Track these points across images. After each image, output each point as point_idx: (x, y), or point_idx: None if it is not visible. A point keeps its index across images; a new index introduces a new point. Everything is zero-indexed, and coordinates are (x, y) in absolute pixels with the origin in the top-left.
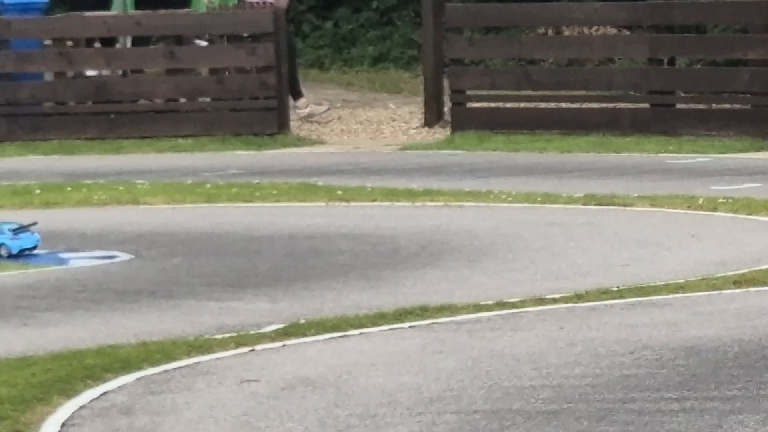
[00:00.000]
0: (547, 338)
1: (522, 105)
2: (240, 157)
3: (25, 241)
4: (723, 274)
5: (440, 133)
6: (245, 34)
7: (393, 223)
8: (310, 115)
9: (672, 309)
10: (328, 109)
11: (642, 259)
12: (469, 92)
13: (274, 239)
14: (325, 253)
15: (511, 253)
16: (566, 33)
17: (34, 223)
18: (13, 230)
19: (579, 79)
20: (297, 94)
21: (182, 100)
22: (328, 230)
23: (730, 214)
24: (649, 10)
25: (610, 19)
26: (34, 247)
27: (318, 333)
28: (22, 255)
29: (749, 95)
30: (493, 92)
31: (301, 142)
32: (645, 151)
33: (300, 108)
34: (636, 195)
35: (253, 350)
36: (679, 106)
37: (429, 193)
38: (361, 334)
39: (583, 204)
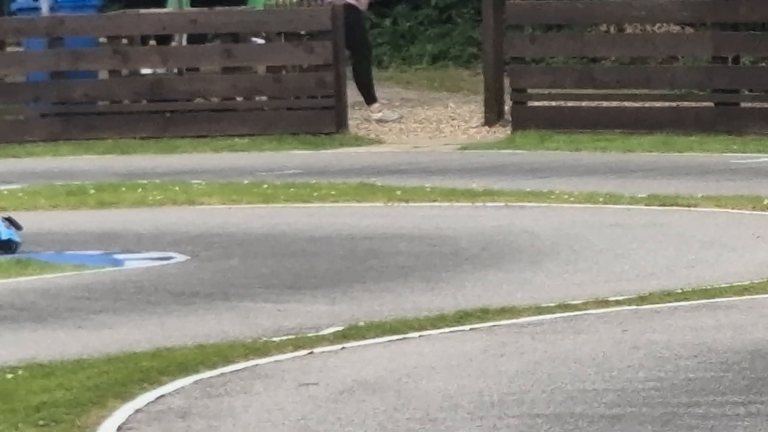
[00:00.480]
0: (610, 341)
1: (584, 104)
2: (297, 156)
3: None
4: None
5: (500, 132)
6: (303, 32)
7: (453, 223)
8: (381, 120)
9: (737, 311)
10: (401, 117)
11: (706, 261)
12: (530, 91)
13: (333, 240)
14: (384, 254)
15: (573, 255)
16: (629, 30)
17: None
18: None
19: (641, 77)
20: (371, 98)
21: (239, 98)
22: (387, 231)
23: None
24: (713, 7)
25: (673, 16)
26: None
27: (377, 335)
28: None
29: None
30: (554, 91)
31: (359, 141)
32: (709, 150)
33: (373, 112)
34: (700, 195)
35: (311, 353)
36: (743, 104)
37: (489, 194)
38: (421, 336)
39: (646, 204)
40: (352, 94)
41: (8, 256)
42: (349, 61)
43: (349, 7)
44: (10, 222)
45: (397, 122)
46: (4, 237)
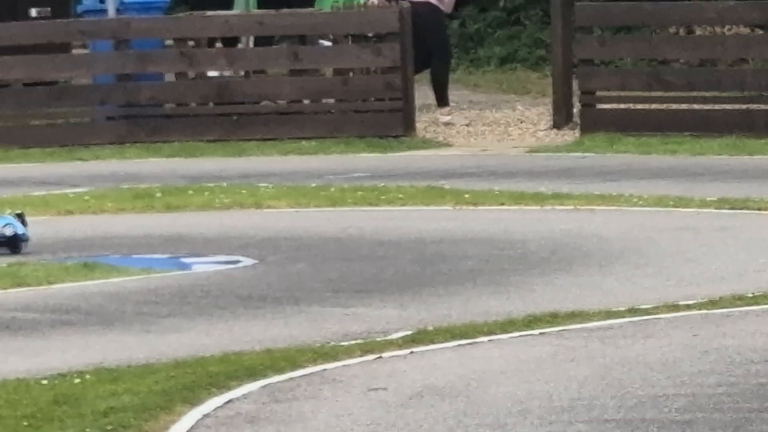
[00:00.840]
0: (681, 345)
1: (653, 106)
2: (365, 159)
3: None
4: None
5: (569, 135)
6: (370, 34)
7: (521, 227)
8: (449, 124)
9: None
10: (469, 124)
11: None
12: (598, 93)
13: (401, 244)
14: (452, 258)
15: (643, 259)
16: (698, 32)
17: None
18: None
19: (711, 79)
20: (443, 101)
21: (306, 101)
22: (456, 235)
23: None
24: None
25: (743, 18)
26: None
27: (446, 340)
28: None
29: None
30: (623, 93)
31: (427, 144)
32: None
33: (442, 115)
34: None
35: (380, 357)
36: None
37: (558, 197)
38: (490, 341)
39: (717, 208)
40: (420, 96)
41: (70, 259)
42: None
43: (431, 7)
44: (21, 220)
45: (465, 125)
46: (20, 231)
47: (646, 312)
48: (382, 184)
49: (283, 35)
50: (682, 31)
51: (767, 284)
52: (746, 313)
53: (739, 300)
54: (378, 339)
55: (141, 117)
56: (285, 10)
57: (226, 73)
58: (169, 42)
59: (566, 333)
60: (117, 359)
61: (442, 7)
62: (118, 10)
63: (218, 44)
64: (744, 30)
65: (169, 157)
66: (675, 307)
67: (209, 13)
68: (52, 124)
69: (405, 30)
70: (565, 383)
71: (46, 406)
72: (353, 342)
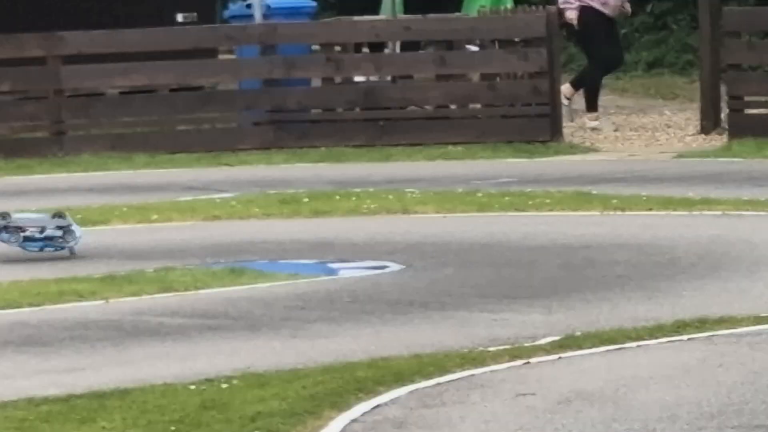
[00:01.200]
0: None
1: None
2: (512, 164)
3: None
4: None
5: (717, 140)
6: (517, 39)
7: (669, 232)
8: (596, 129)
9: None
10: (616, 129)
11: None
12: (747, 98)
13: (549, 249)
14: (600, 263)
15: None
16: None
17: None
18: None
19: None
20: (592, 107)
21: (453, 106)
22: (604, 240)
23: None
24: None
25: None
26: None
27: (594, 345)
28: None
29: None
30: None
31: (574, 149)
32: None
33: (589, 120)
34: None
35: (528, 363)
36: None
37: (707, 202)
38: (638, 346)
39: None
40: None
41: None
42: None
43: (591, 11)
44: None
45: (613, 130)
46: (78, 233)
47: None
48: (530, 190)
49: (429, 40)
50: None
51: None
52: None
53: None
54: (526, 344)
55: (287, 122)
56: (432, 16)
57: (373, 78)
58: (315, 47)
59: (715, 338)
60: (265, 364)
61: (606, 11)
62: (264, 16)
63: (365, 49)
64: None
65: (315, 163)
66: None
67: (356, 18)
68: (199, 129)
69: (552, 35)
70: (714, 389)
71: (193, 411)
72: (501, 347)
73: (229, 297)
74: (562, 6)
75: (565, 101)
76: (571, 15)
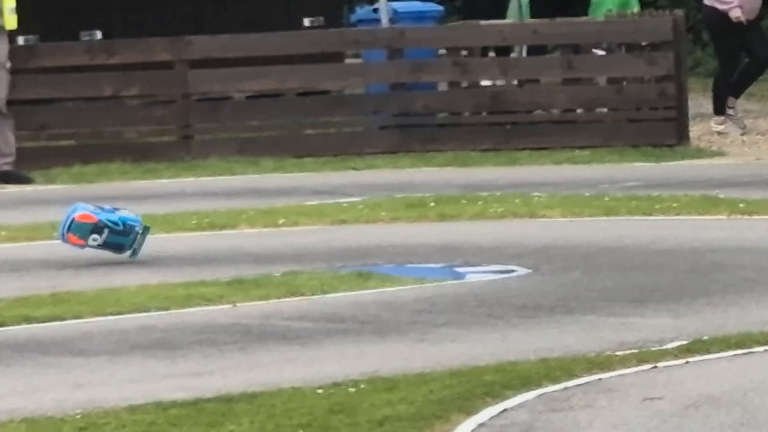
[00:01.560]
0: None
1: None
2: (638, 168)
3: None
4: None
5: None
6: (644, 43)
7: None
8: (723, 133)
9: None
10: (743, 133)
11: None
12: None
13: (676, 253)
14: (728, 267)
15: None
16: None
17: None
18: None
19: None
20: (719, 110)
21: (579, 110)
22: (731, 244)
23: None
24: None
25: None
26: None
27: (722, 350)
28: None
29: None
30: None
31: (700, 153)
32: None
33: (716, 124)
34: None
35: (655, 367)
36: None
37: None
38: (766, 351)
39: None
40: (694, 105)
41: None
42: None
43: (719, 15)
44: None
45: (740, 134)
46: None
47: None
48: (656, 194)
49: (556, 44)
50: None
51: None
52: None
53: None
54: (653, 348)
55: (414, 126)
56: (559, 20)
57: (499, 83)
58: (442, 51)
59: None
60: (392, 368)
61: (734, 15)
62: (391, 20)
63: (491, 53)
64: None
65: (442, 167)
66: None
67: (483, 22)
68: (326, 133)
69: (679, 38)
70: None
71: (321, 415)
72: (628, 351)
73: (356, 301)
74: (723, 8)
75: (730, 111)
76: (737, 13)
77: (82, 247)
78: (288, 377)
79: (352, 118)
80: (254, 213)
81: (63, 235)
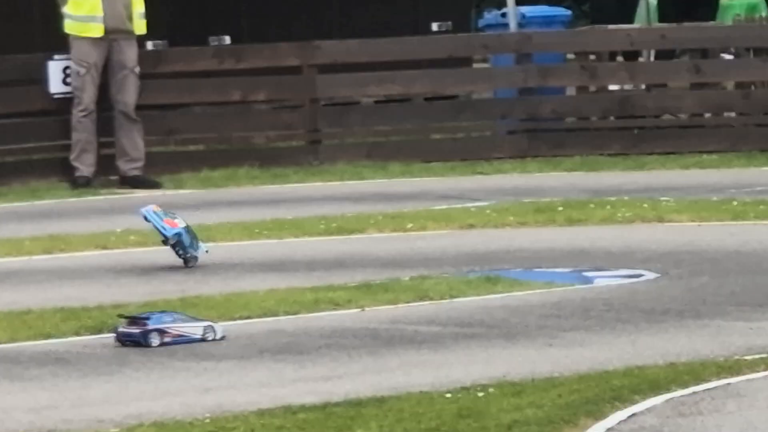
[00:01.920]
0: None
1: None
2: (766, 173)
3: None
4: None
5: None
6: None
7: None
8: None
9: None
10: None
11: None
12: None
13: None
14: None
15: None
16: None
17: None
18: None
19: None
20: None
21: (707, 114)
22: None
23: None
24: None
25: None
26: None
27: None
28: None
29: None
30: None
31: None
32: None
33: None
34: None
35: None
36: None
37: None
38: None
39: None
40: None
41: (472, 273)
42: None
43: None
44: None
45: None
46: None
47: None
48: None
49: (684, 48)
50: None
51: None
52: None
53: None
54: None
55: (542, 131)
56: (687, 24)
57: (627, 87)
58: (570, 56)
59: None
60: (520, 373)
61: None
62: (519, 24)
63: (619, 58)
64: None
65: (569, 171)
66: None
67: (611, 26)
68: (453, 138)
69: None
70: None
71: (449, 420)
72: (757, 356)
73: (484, 305)
74: None
75: None
76: None
77: (171, 234)
78: (416, 381)
79: (480, 122)
80: (382, 217)
81: (163, 228)
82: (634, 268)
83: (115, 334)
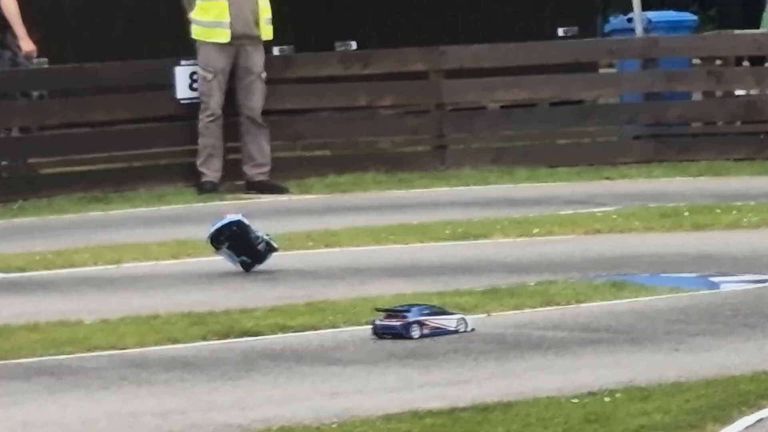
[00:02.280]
0: None
1: None
2: None
3: None
4: None
5: None
6: None
7: None
8: None
9: None
10: None
11: None
12: None
13: None
14: None
15: None
16: None
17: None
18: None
19: None
20: None
21: None
22: None
23: None
24: None
25: None
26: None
27: None
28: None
29: None
30: None
31: None
32: None
33: None
34: None
35: None
36: None
37: None
38: None
39: None
40: None
41: (598, 278)
42: None
43: None
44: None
45: None
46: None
47: None
48: None
49: None
50: None
51: None
52: None
53: None
54: None
55: (668, 136)
56: None
57: (754, 92)
58: (696, 61)
59: None
60: (647, 378)
61: None
62: (645, 29)
63: (745, 63)
64: None
65: (695, 176)
66: None
67: (737, 31)
68: (579, 143)
69: None
70: None
71: (576, 425)
72: None
73: (610, 310)
74: None
75: None
76: None
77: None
78: (543, 386)
79: (606, 127)
80: (508, 222)
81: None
82: (762, 273)
83: (372, 326)
